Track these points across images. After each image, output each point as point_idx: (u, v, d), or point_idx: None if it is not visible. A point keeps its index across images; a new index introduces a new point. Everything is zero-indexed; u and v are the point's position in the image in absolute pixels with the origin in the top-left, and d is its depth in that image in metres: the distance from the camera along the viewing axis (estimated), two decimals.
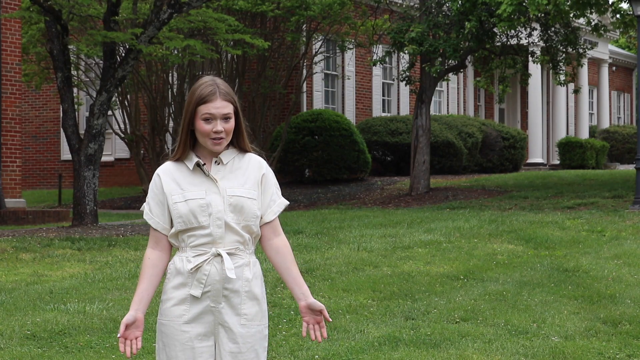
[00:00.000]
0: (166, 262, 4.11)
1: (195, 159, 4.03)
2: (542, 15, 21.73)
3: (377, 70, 30.07)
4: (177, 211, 4.00)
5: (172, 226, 4.05)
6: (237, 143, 4.10)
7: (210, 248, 4.00)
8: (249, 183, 4.06)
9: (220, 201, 4.00)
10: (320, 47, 25.72)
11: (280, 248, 4.11)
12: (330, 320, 4.08)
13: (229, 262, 3.98)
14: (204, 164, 4.03)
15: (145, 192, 24.07)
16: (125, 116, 25.03)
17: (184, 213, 3.98)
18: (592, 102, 40.69)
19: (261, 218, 4.09)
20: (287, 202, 4.20)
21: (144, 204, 4.13)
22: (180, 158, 4.06)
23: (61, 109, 17.22)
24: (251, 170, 4.08)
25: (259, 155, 4.15)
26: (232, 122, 4.02)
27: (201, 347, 4.01)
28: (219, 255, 3.99)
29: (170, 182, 4.04)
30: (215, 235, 3.99)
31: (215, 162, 4.05)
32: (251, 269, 4.06)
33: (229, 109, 4.01)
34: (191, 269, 3.99)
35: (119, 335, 4.02)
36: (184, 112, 4.07)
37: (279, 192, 4.17)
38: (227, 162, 4.07)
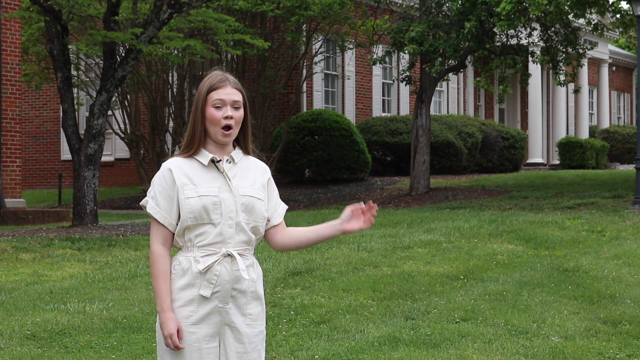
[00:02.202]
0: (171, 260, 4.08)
1: (210, 155, 4.02)
2: (542, 15, 21.72)
3: (377, 70, 30.07)
4: (189, 207, 3.96)
5: (178, 223, 4.01)
6: (243, 142, 4.10)
7: (219, 248, 3.98)
8: (257, 184, 4.07)
9: (232, 200, 3.99)
10: (320, 47, 25.71)
11: (290, 230, 4.15)
12: (362, 206, 4.03)
13: (241, 263, 3.98)
14: (219, 160, 4.02)
15: (145, 192, 24.06)
16: (125, 116, 25.03)
17: (197, 209, 3.95)
18: (592, 102, 40.69)
19: (268, 221, 4.11)
20: (286, 206, 4.25)
21: (146, 198, 4.07)
22: (192, 154, 4.04)
23: (61, 109, 17.22)
24: (258, 172, 4.11)
25: (260, 158, 4.17)
26: (241, 112, 4.03)
27: (208, 348, 4.00)
28: (229, 255, 3.98)
29: (182, 176, 4.00)
30: (226, 235, 3.98)
31: (227, 160, 4.05)
32: (255, 269, 4.07)
33: (239, 97, 4.03)
34: (202, 270, 3.97)
35: (181, 346, 3.95)
36: (194, 105, 4.06)
37: (279, 197, 4.22)
38: (238, 161, 4.07)
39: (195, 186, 3.99)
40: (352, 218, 4.07)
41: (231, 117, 3.99)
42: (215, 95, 4.00)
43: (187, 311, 3.98)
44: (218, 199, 3.97)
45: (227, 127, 4.00)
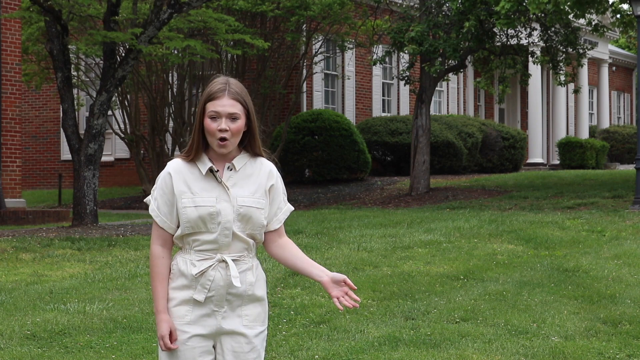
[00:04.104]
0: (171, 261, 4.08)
1: (209, 164, 3.98)
2: (542, 15, 21.73)
3: (377, 70, 30.07)
4: (186, 216, 3.96)
5: (178, 226, 4.01)
6: (250, 146, 4.06)
7: (215, 254, 3.98)
8: (258, 192, 4.03)
9: (230, 210, 3.96)
10: (320, 47, 25.71)
11: (285, 244, 4.11)
12: (355, 287, 4.01)
13: (234, 270, 3.96)
14: (217, 170, 3.99)
15: (146, 192, 24.06)
16: (125, 116, 25.02)
17: (193, 219, 3.95)
18: (592, 102, 40.68)
19: (267, 225, 4.08)
20: (292, 208, 4.19)
21: (149, 197, 4.08)
22: (193, 159, 4.03)
23: (61, 109, 17.22)
24: (262, 178, 4.05)
25: (271, 161, 4.12)
26: (239, 123, 3.96)
27: (201, 347, 4.00)
28: (224, 261, 3.98)
29: (181, 183, 3.99)
30: (222, 243, 3.97)
31: (228, 167, 4.01)
32: (254, 272, 4.05)
33: (236, 108, 3.96)
34: (196, 274, 3.97)
35: (172, 347, 3.96)
36: (197, 112, 4.05)
37: (286, 199, 4.15)
38: (239, 168, 4.03)
39: (193, 195, 3.97)
40: (338, 283, 4.01)
41: (226, 130, 3.95)
42: (211, 107, 3.96)
43: (182, 310, 3.99)
44: (215, 209, 3.95)
45: (222, 139, 3.96)
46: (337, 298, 4.00)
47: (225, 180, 3.99)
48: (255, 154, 4.07)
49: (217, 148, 3.97)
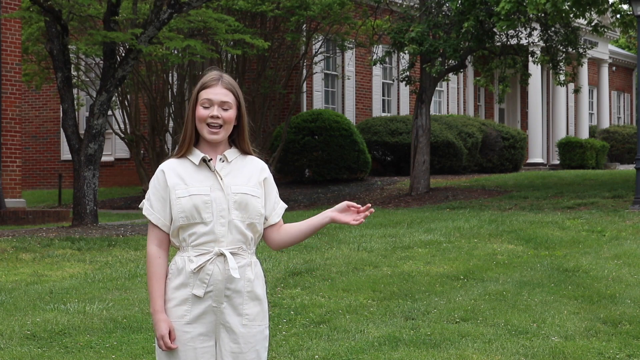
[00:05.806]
0: (168, 262, 4.10)
1: (201, 155, 4.03)
2: (542, 15, 21.72)
3: (377, 70, 30.06)
4: (180, 206, 3.98)
5: (172, 223, 4.03)
6: (239, 142, 4.10)
7: (212, 247, 3.99)
8: (252, 181, 4.06)
9: (223, 199, 3.99)
10: (320, 47, 25.70)
11: (285, 226, 4.15)
12: (359, 206, 4.06)
13: (232, 262, 3.97)
14: (210, 159, 4.03)
15: (145, 192, 24.08)
16: (125, 116, 25.02)
17: (187, 208, 3.97)
18: (592, 102, 40.68)
19: (266, 220, 4.11)
20: (286, 206, 4.24)
21: (144, 200, 4.11)
22: (184, 154, 4.05)
23: (61, 109, 17.23)
24: (254, 170, 4.09)
25: (261, 159, 4.16)
26: (231, 113, 4.02)
27: (203, 348, 4.01)
28: (222, 254, 3.98)
29: (174, 176, 4.02)
30: (218, 234, 3.98)
31: (220, 159, 4.05)
32: (253, 269, 4.06)
33: (228, 98, 4.01)
34: (194, 269, 3.98)
35: (172, 346, 3.97)
36: (188, 104, 4.09)
37: (278, 196, 4.20)
38: (231, 160, 4.07)
39: (186, 186, 4.01)
40: (345, 211, 4.08)
41: (218, 117, 3.99)
42: (204, 95, 4.01)
43: (181, 311, 4.00)
44: (209, 197, 3.98)
45: (213, 126, 4.00)
46: (353, 219, 4.05)
47: (218, 170, 4.02)
48: (244, 151, 4.11)
49: (208, 135, 4.01)
